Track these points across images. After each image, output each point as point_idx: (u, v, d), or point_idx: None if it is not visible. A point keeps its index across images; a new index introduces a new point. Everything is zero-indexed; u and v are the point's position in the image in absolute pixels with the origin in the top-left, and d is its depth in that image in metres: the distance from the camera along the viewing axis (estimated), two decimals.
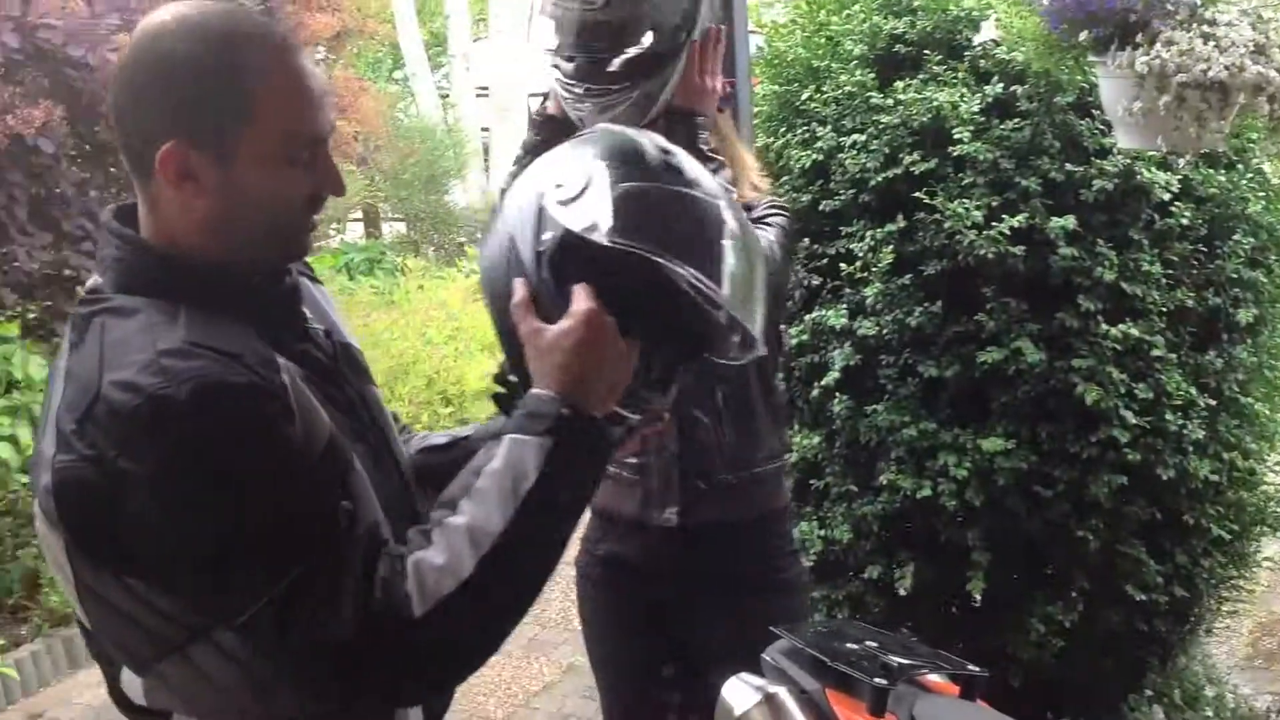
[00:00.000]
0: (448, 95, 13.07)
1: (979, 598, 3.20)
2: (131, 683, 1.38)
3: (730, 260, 1.47)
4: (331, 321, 1.58)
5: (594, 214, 1.43)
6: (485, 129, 11.83)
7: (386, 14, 12.35)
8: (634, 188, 1.44)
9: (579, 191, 1.46)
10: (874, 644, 1.75)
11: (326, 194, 1.42)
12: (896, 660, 1.67)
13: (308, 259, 1.56)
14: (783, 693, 1.69)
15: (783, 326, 2.50)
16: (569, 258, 1.42)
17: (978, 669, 1.73)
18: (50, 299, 4.98)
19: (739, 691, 1.72)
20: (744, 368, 2.44)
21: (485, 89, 12.10)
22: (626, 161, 1.49)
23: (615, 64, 2.22)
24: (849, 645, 1.77)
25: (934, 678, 1.70)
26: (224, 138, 1.33)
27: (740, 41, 3.12)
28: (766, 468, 2.50)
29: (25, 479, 4.35)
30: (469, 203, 10.52)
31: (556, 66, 2.29)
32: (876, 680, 1.60)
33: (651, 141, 1.54)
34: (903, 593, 3.24)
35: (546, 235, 1.43)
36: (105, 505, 1.24)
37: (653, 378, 1.50)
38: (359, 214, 10.20)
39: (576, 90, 2.25)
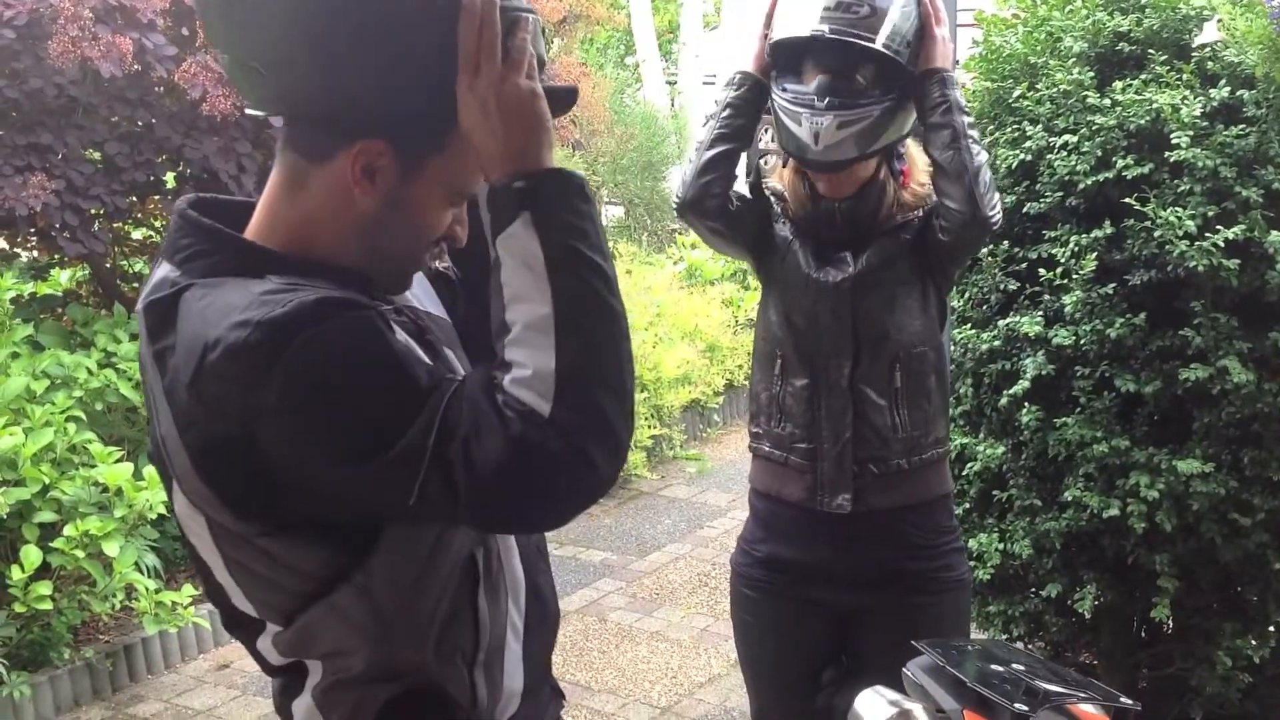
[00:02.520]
0: (675, 82, 13.17)
1: (1169, 623, 3.06)
2: (268, 649, 1.45)
3: None
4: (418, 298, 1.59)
5: None
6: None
7: (620, 1, 12.52)
8: None
9: None
10: (1021, 667, 1.69)
11: (446, 241, 1.45)
12: (1042, 686, 1.61)
13: None
14: (918, 710, 1.65)
15: (955, 312, 2.49)
16: None
17: (1130, 701, 1.65)
18: None
19: (873, 705, 1.68)
20: (922, 350, 2.43)
21: (712, 77, 12.14)
22: None
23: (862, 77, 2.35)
24: (993, 667, 1.71)
25: (1085, 708, 1.63)
26: (421, 158, 1.36)
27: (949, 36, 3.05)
28: (935, 452, 2.52)
29: None
30: None
31: (786, 88, 2.38)
32: (1017, 705, 1.55)
33: None
34: (1084, 613, 3.12)
35: None
36: (245, 453, 1.27)
37: None
38: None
39: (817, 103, 2.32)
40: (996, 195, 2.41)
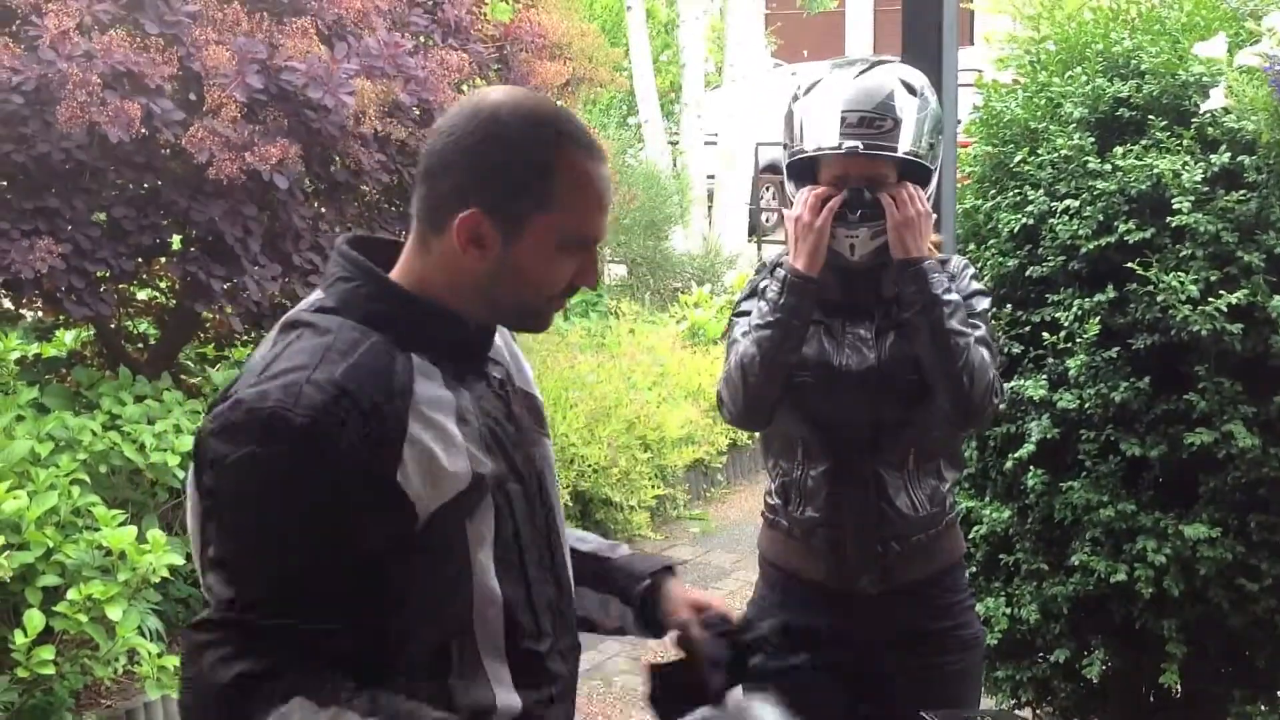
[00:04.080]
0: (677, 142, 13.27)
1: (1178, 689, 3.04)
2: None
3: None
4: (515, 370, 1.70)
5: None
6: (711, 176, 11.94)
7: (622, 64, 12.63)
8: None
9: None
10: None
11: (580, 286, 1.58)
12: None
13: None
14: None
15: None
16: None
17: None
18: None
19: None
20: (939, 435, 2.45)
21: (714, 136, 12.22)
22: None
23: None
24: None
25: None
26: (520, 219, 1.50)
27: (949, 99, 3.08)
28: (949, 518, 2.56)
29: None
30: (688, 249, 10.62)
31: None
32: None
33: None
34: (1092, 679, 3.10)
35: None
36: (203, 473, 1.44)
37: None
38: None
39: (850, 218, 2.38)
40: (989, 378, 2.37)
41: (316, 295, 1.55)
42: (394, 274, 1.55)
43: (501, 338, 1.69)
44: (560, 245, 1.51)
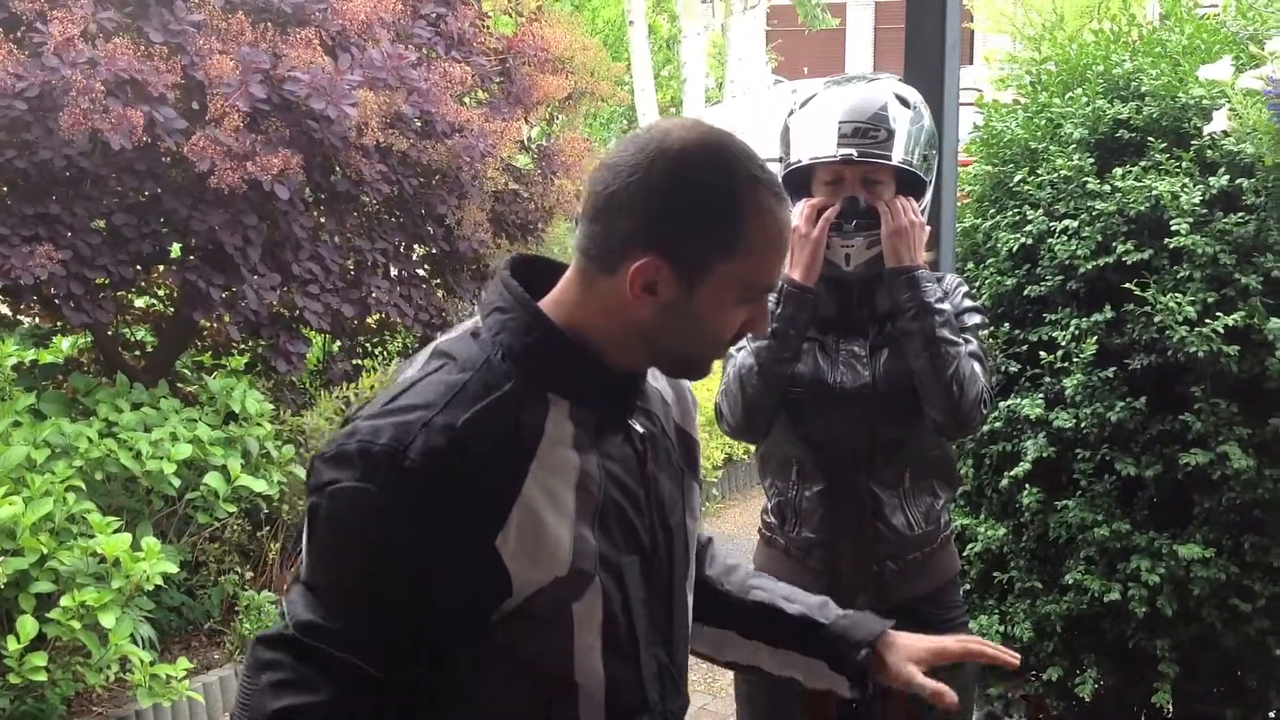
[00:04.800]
0: None
1: (1170, 708, 3.04)
2: None
3: None
4: (679, 410, 1.64)
5: None
6: None
7: (623, 78, 12.67)
8: None
9: None
10: None
11: (747, 333, 1.50)
12: None
13: None
14: None
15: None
16: None
17: None
18: (274, 337, 5.21)
19: None
20: (935, 454, 2.46)
21: None
22: None
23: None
24: None
25: None
26: (703, 267, 1.40)
27: (950, 117, 3.09)
28: (943, 535, 2.57)
29: (232, 508, 4.56)
30: None
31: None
32: None
33: None
34: (1085, 697, 3.10)
35: None
36: (311, 494, 1.41)
37: None
38: None
39: (845, 227, 2.39)
40: (979, 388, 2.39)
41: (473, 321, 1.49)
42: (548, 304, 1.46)
43: (662, 383, 1.63)
44: (740, 295, 1.43)
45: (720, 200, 1.39)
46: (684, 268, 1.39)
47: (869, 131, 2.37)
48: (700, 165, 1.40)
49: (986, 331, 2.91)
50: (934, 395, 2.37)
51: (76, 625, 3.87)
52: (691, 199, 1.39)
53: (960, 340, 2.38)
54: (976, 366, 2.39)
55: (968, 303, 2.49)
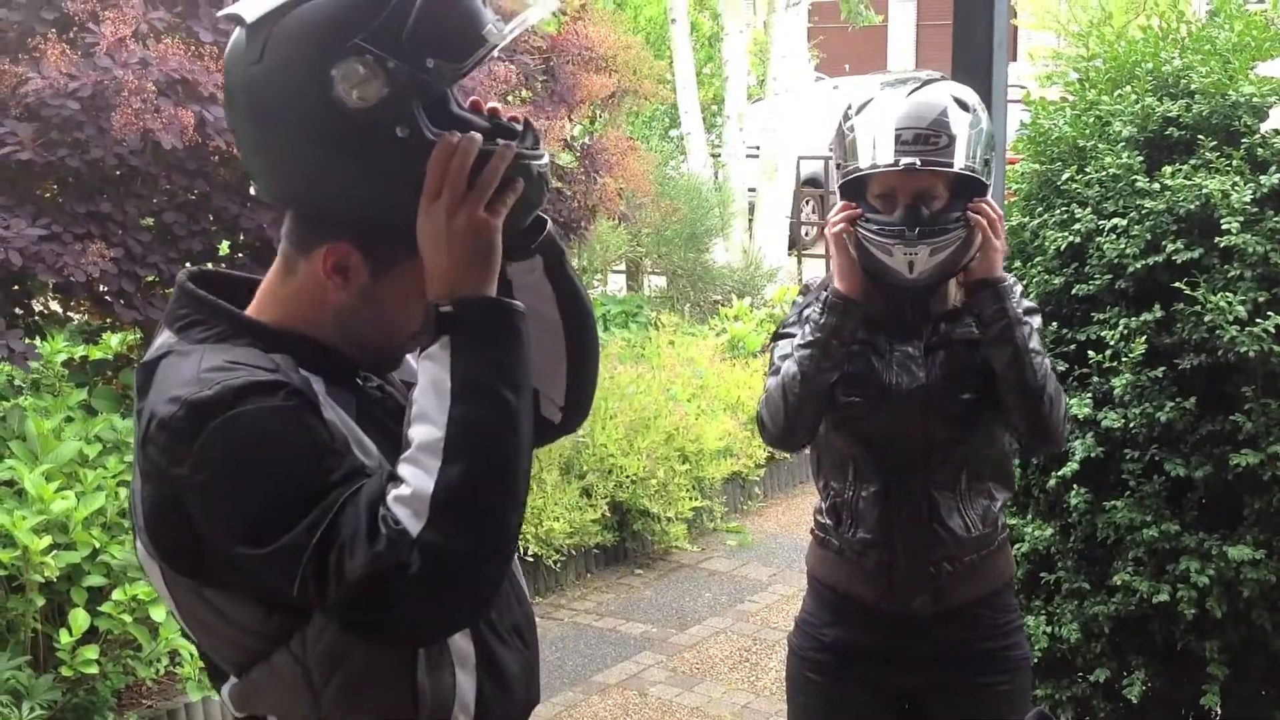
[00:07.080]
0: (719, 155, 13.27)
1: (1218, 711, 3.02)
2: (227, 699, 1.54)
3: None
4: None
5: None
6: (752, 189, 11.92)
7: (666, 76, 12.67)
8: None
9: None
10: None
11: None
12: None
13: None
14: None
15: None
16: None
17: None
18: None
19: None
20: (990, 453, 2.46)
21: (755, 149, 12.21)
22: None
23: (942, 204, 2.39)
24: None
25: None
26: (390, 262, 1.50)
27: (998, 115, 3.08)
28: (1000, 539, 2.56)
29: None
30: (728, 261, 10.62)
31: (869, 220, 2.40)
32: None
33: None
34: (1132, 699, 3.08)
35: None
36: (174, 517, 1.41)
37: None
38: (621, 266, 10.41)
39: (909, 234, 2.36)
40: (1064, 408, 2.41)
41: (162, 338, 1.52)
42: (252, 306, 1.55)
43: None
44: (423, 293, 1.48)
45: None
46: (372, 257, 1.50)
47: (930, 138, 2.35)
48: None
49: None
50: (1023, 408, 2.38)
51: (128, 619, 3.92)
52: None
53: (1044, 350, 2.39)
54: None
55: (1026, 303, 2.49)
